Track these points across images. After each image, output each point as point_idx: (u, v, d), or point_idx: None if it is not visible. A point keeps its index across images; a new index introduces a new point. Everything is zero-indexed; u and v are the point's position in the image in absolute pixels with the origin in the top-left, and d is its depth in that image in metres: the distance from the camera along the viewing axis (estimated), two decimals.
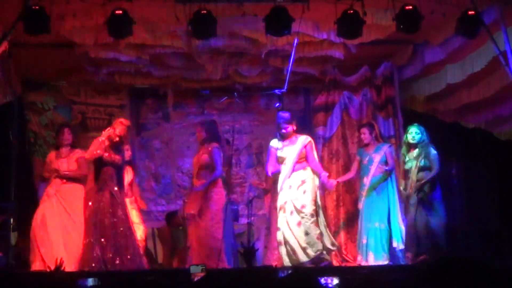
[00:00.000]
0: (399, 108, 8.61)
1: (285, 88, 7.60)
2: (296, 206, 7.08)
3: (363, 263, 7.53)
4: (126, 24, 6.42)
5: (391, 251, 7.53)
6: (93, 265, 6.63)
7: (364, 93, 8.67)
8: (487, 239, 7.87)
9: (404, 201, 7.47)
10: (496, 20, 6.54)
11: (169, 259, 8.44)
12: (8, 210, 8.04)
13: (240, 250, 7.21)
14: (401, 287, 4.16)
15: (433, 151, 7.15)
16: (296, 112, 9.38)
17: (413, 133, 7.23)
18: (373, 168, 7.67)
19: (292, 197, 7.11)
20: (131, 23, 6.42)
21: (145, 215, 8.19)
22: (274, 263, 7.30)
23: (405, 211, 7.51)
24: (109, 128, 7.10)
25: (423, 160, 7.13)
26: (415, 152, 7.25)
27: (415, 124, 7.34)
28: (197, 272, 5.52)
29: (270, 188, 7.83)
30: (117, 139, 7.01)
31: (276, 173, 7.32)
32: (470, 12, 6.46)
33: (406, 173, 7.35)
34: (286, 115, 7.34)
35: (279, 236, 7.15)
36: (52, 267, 6.43)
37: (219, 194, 7.23)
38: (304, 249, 7.04)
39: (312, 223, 7.07)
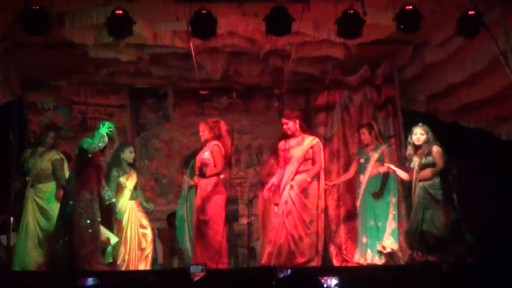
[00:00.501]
0: (399, 108, 8.61)
1: (285, 88, 7.60)
2: (296, 209, 7.03)
3: (362, 262, 7.53)
4: (126, 24, 6.42)
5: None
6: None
7: (364, 93, 8.67)
8: (487, 239, 7.86)
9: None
10: (496, 20, 6.54)
11: (169, 259, 8.44)
12: (8, 210, 8.04)
13: None
14: (401, 287, 4.17)
15: (436, 148, 7.06)
16: (296, 112, 9.39)
17: (418, 134, 7.08)
18: (369, 167, 7.67)
19: (293, 200, 7.07)
20: (131, 23, 6.42)
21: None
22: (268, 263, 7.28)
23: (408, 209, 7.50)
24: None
25: (425, 158, 7.08)
26: (420, 151, 7.18)
27: (420, 124, 7.20)
28: (197, 272, 5.52)
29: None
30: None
31: (272, 168, 7.32)
32: (470, 12, 6.45)
33: (411, 172, 7.30)
34: (287, 112, 7.33)
35: (272, 235, 7.13)
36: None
37: (220, 194, 7.23)
38: (292, 253, 7.01)
39: (309, 229, 7.02)
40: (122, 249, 7.39)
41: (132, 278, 5.34)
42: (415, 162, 7.10)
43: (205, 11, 6.41)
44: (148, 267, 7.47)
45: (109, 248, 7.16)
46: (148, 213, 7.80)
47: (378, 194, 7.64)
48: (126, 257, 7.39)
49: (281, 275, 5.11)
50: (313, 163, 7.27)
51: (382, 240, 7.58)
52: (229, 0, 6.75)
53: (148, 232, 7.60)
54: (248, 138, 9.60)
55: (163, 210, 9.12)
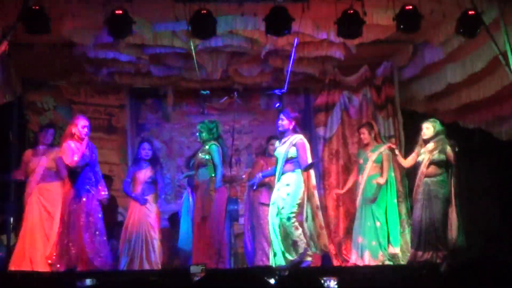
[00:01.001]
0: (399, 108, 8.61)
1: (285, 88, 7.58)
2: (279, 207, 6.97)
3: (359, 262, 7.52)
4: (126, 24, 6.42)
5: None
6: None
7: (364, 93, 8.67)
8: (487, 239, 7.86)
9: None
10: (496, 20, 6.54)
11: (169, 259, 8.43)
12: (8, 210, 8.05)
13: None
14: (401, 287, 4.17)
15: (449, 148, 6.99)
16: (294, 113, 9.38)
17: (424, 129, 7.03)
18: (368, 167, 7.64)
19: (277, 199, 7.01)
20: (131, 23, 6.42)
21: None
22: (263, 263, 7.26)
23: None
24: None
25: (437, 154, 7.00)
26: (429, 145, 7.09)
27: (429, 119, 7.15)
28: (197, 272, 5.52)
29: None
30: None
31: (261, 169, 7.33)
32: (470, 12, 6.46)
33: (417, 166, 7.22)
34: (287, 110, 7.27)
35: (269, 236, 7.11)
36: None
37: (220, 194, 7.23)
38: (283, 253, 6.97)
39: (292, 227, 6.91)
40: None
41: (132, 278, 5.34)
42: (424, 157, 7.01)
43: (205, 11, 6.41)
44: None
45: None
46: None
47: (375, 199, 7.61)
48: None
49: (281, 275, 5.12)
50: (299, 160, 7.10)
51: (387, 241, 7.54)
52: (229, 0, 6.75)
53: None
54: (248, 138, 9.60)
55: (163, 210, 9.11)
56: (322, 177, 8.50)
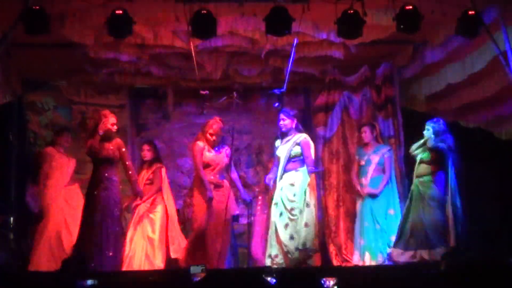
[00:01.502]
0: (399, 108, 8.61)
1: (285, 88, 7.58)
2: (286, 208, 7.00)
3: (360, 263, 7.53)
4: (126, 24, 6.42)
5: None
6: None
7: (364, 93, 8.67)
8: (487, 239, 7.86)
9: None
10: (496, 20, 6.54)
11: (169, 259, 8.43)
12: (8, 210, 8.05)
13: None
14: (401, 287, 4.17)
15: (441, 146, 7.03)
16: (294, 112, 9.38)
17: (425, 130, 7.19)
18: (370, 169, 7.67)
19: (282, 200, 7.04)
20: (131, 23, 6.42)
21: None
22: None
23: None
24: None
25: (425, 153, 7.11)
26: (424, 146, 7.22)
27: (432, 120, 7.27)
28: (197, 272, 5.52)
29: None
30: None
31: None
32: (470, 12, 6.46)
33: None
34: (286, 110, 7.31)
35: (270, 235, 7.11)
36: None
37: (221, 193, 7.26)
38: (286, 254, 6.99)
39: (302, 228, 6.95)
40: None
41: (132, 278, 5.35)
42: (417, 158, 7.16)
43: (205, 11, 6.41)
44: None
45: None
46: None
47: (380, 196, 7.63)
48: None
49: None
50: (305, 159, 7.17)
51: (386, 243, 7.56)
52: (229, 0, 6.75)
53: None
54: (248, 138, 9.60)
55: None
56: (322, 177, 8.50)
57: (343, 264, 8.02)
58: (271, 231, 7.07)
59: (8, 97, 8.00)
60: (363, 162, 7.78)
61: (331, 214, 8.34)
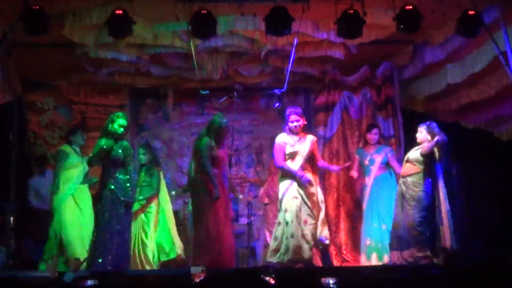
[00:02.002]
0: (399, 108, 8.62)
1: (285, 88, 7.58)
2: (299, 215, 7.01)
3: (367, 264, 7.52)
4: (126, 24, 6.42)
5: None
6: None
7: (364, 93, 8.67)
8: (487, 239, 7.86)
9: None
10: (496, 20, 6.54)
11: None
12: (8, 210, 8.05)
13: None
14: (401, 287, 4.17)
15: (425, 147, 7.04)
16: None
17: (418, 133, 7.15)
18: (374, 169, 7.69)
19: (297, 204, 7.03)
20: (131, 23, 6.42)
21: None
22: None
23: None
24: None
25: (412, 152, 7.15)
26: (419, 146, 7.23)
27: (425, 123, 7.21)
28: (197, 273, 5.52)
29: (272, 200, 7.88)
30: None
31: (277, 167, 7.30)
32: (470, 12, 6.46)
33: None
34: (298, 109, 7.29)
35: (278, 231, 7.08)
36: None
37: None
38: (306, 248, 7.00)
39: (314, 227, 7.02)
40: None
41: (132, 278, 5.34)
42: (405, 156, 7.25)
43: (205, 11, 6.41)
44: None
45: None
46: None
47: (384, 196, 7.64)
48: None
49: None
50: (316, 159, 7.20)
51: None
52: (229, 0, 6.75)
53: None
54: (248, 138, 9.60)
55: None
56: (322, 177, 8.50)
57: (343, 264, 8.02)
58: (283, 228, 7.04)
59: (8, 97, 8.00)
60: (367, 162, 7.78)
61: (331, 214, 8.33)
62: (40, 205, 8.01)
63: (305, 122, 7.24)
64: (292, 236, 6.89)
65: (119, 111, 7.37)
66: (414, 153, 7.09)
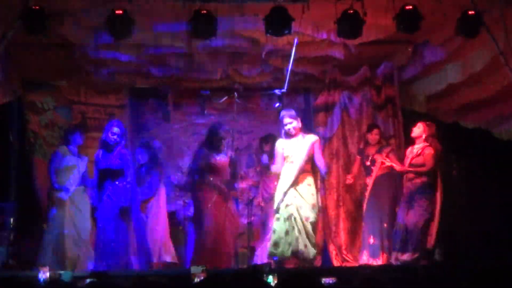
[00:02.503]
0: (399, 108, 8.61)
1: (285, 88, 7.59)
2: (300, 213, 7.03)
3: (371, 262, 7.54)
4: (126, 24, 6.42)
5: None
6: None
7: (364, 93, 8.67)
8: (487, 239, 7.86)
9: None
10: (496, 20, 6.54)
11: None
12: (8, 210, 8.04)
13: None
14: (401, 287, 4.16)
15: (428, 150, 7.11)
16: (296, 112, 9.37)
17: (415, 127, 7.32)
18: (375, 169, 7.69)
19: (297, 203, 7.06)
20: (131, 23, 6.42)
21: None
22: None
23: None
24: None
25: (416, 158, 7.20)
26: (415, 148, 7.30)
27: (419, 122, 7.35)
28: (197, 273, 5.52)
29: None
30: None
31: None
32: (470, 12, 6.46)
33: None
34: (291, 111, 7.32)
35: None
36: None
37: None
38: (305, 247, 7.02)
39: (312, 230, 7.06)
40: None
41: (132, 278, 5.34)
42: (408, 159, 7.25)
43: (205, 11, 6.41)
44: None
45: None
46: None
47: (386, 196, 7.66)
48: None
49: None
50: (315, 159, 7.21)
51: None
52: (229, 0, 6.75)
53: None
54: (248, 138, 9.59)
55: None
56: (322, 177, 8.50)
57: (343, 264, 8.02)
58: (282, 229, 7.06)
59: (8, 97, 8.00)
60: (368, 163, 7.80)
61: (331, 214, 8.34)
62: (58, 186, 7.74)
63: (299, 124, 7.22)
64: (289, 233, 6.95)
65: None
66: (417, 160, 7.15)
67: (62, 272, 5.97)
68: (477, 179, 8.39)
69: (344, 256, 8.19)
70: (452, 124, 8.47)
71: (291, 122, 7.16)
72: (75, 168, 7.55)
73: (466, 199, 8.26)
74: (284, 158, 7.18)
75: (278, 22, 6.46)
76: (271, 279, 5.22)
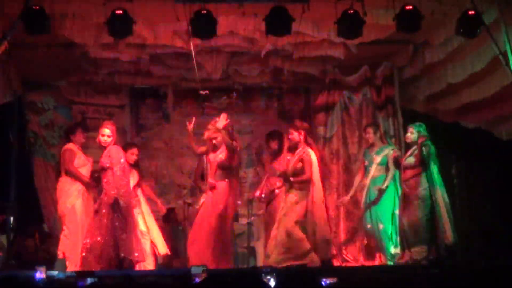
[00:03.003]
0: (399, 108, 8.62)
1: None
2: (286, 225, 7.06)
3: (367, 264, 7.54)
4: (126, 24, 6.42)
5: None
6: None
7: (364, 93, 8.68)
8: (487, 239, 7.86)
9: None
10: (496, 20, 6.54)
11: (169, 259, 8.43)
12: (8, 210, 8.05)
13: None
14: (401, 287, 4.17)
15: (425, 150, 7.11)
16: (296, 112, 9.39)
17: (408, 133, 7.26)
18: (372, 170, 7.63)
19: (290, 208, 7.09)
20: (131, 23, 6.43)
21: None
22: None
23: None
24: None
25: (408, 158, 7.21)
26: (410, 151, 7.31)
27: (413, 123, 7.31)
28: (197, 273, 5.52)
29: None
30: None
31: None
32: (470, 12, 6.46)
33: None
34: (293, 124, 7.37)
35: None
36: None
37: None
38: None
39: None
40: None
41: (132, 278, 5.34)
42: (406, 161, 7.25)
43: (205, 11, 6.41)
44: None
45: None
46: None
47: (378, 201, 7.63)
48: None
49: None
50: (303, 173, 7.16)
51: (389, 243, 7.58)
52: (229, 0, 6.75)
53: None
54: (248, 138, 9.59)
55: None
56: (322, 177, 8.49)
57: (343, 264, 8.02)
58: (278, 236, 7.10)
59: (8, 97, 8.00)
60: (366, 162, 7.79)
61: (331, 214, 8.33)
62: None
63: (295, 138, 7.19)
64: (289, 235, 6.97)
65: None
66: (408, 160, 7.17)
67: (56, 271, 5.95)
68: (477, 179, 8.39)
69: (344, 256, 8.19)
70: (452, 124, 8.48)
71: (292, 133, 7.26)
72: (87, 165, 7.45)
73: (466, 199, 8.26)
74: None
75: (278, 22, 6.46)
76: (271, 279, 5.21)
